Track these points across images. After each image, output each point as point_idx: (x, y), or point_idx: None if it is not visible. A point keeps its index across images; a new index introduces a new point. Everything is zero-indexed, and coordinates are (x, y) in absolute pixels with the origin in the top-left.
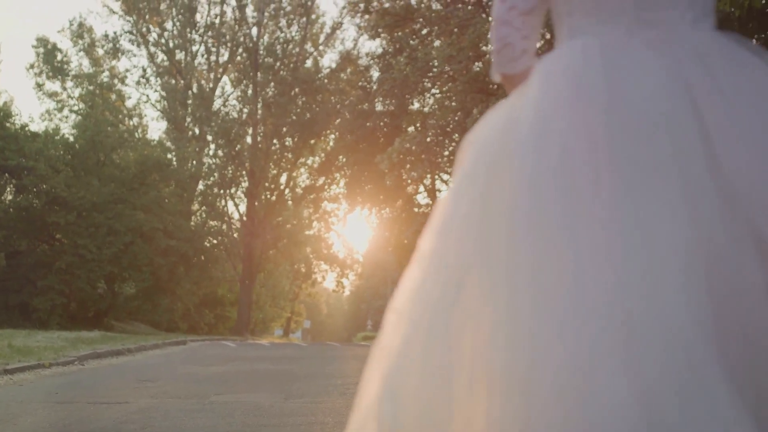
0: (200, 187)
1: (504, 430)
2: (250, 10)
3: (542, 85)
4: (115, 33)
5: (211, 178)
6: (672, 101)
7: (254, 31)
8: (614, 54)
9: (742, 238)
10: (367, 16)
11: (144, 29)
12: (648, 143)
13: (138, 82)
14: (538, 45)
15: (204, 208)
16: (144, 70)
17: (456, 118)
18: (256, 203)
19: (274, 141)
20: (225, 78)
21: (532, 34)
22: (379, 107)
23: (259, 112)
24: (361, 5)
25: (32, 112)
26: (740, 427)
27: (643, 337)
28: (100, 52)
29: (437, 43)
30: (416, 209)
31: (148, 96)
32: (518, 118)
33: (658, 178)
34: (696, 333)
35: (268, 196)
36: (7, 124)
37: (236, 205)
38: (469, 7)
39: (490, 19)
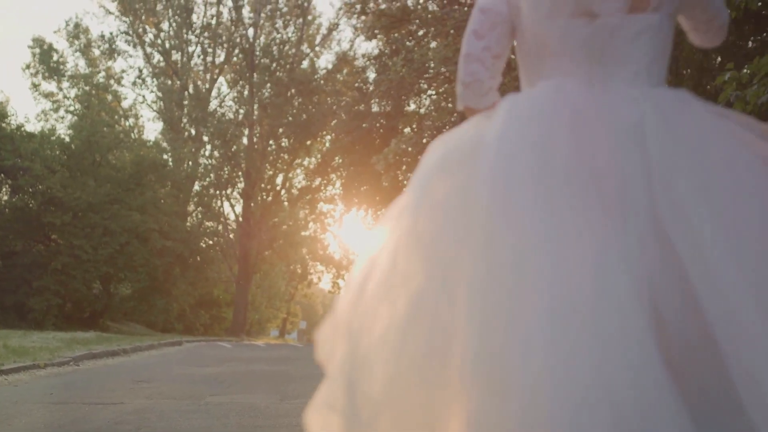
0: (196, 187)
1: (480, 425)
2: (246, 11)
3: (511, 119)
4: (111, 34)
5: (207, 179)
6: (624, 147)
7: (251, 31)
8: (576, 99)
9: (674, 258)
10: (363, 18)
11: (140, 30)
12: (599, 184)
13: (134, 83)
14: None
15: (200, 208)
16: (140, 71)
17: (452, 120)
18: (252, 204)
19: (270, 142)
20: (221, 79)
21: (497, 75)
22: (375, 108)
23: (255, 113)
24: (358, 6)
25: (28, 113)
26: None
27: (610, 336)
28: (96, 52)
29: (434, 44)
30: None
31: (144, 97)
32: (486, 139)
33: (609, 212)
34: (645, 336)
35: (264, 197)
36: (3, 125)
37: (232, 206)
38: (466, 9)
39: None
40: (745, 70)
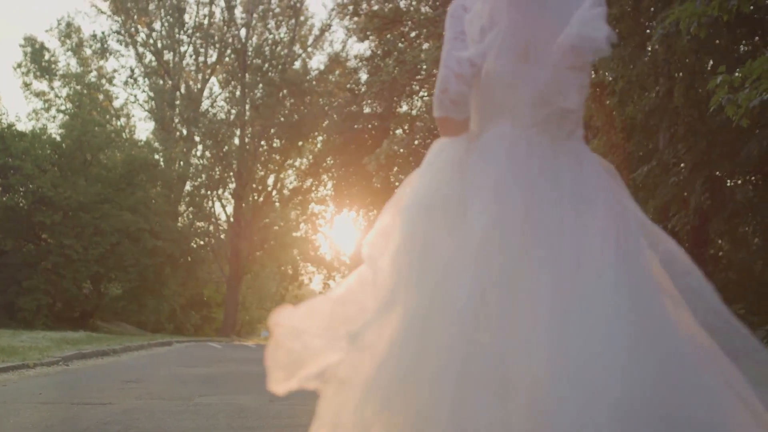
0: (187, 187)
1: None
2: (238, 11)
3: (479, 160)
4: (103, 33)
5: (199, 179)
6: (548, 185)
7: (243, 32)
8: (516, 146)
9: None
10: (355, 19)
11: (132, 29)
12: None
13: (126, 83)
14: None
15: (191, 209)
16: (132, 71)
17: None
18: (244, 204)
19: (262, 142)
20: (213, 79)
21: (469, 99)
22: (367, 109)
23: (247, 113)
24: (350, 7)
25: (19, 112)
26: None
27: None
28: (88, 52)
29: (426, 46)
30: None
31: (135, 96)
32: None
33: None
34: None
35: (256, 198)
36: None
37: (223, 206)
38: None
39: None
40: (737, 74)
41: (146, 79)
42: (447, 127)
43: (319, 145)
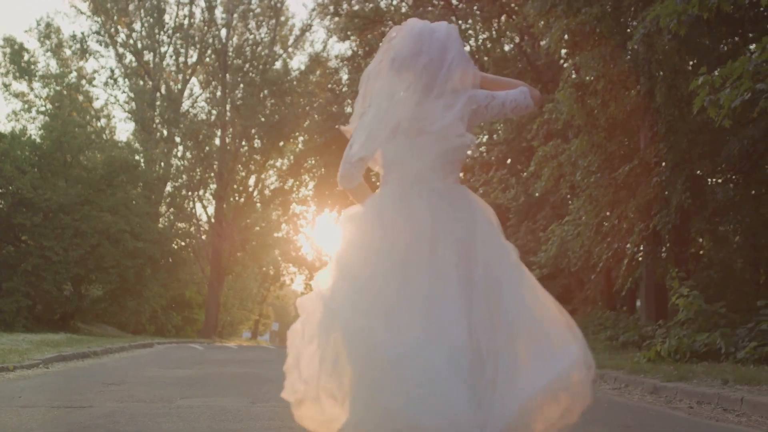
0: (168, 188)
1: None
2: (219, 12)
3: (376, 212)
4: (82, 33)
5: (179, 180)
6: (430, 228)
7: (223, 32)
8: (404, 199)
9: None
10: (336, 19)
11: (112, 30)
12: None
13: (106, 83)
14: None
15: (172, 210)
16: (112, 71)
17: None
18: (225, 205)
19: (243, 143)
20: (194, 79)
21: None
22: (348, 109)
23: (228, 113)
24: (331, 8)
25: None
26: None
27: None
28: (68, 52)
29: None
30: None
31: (116, 97)
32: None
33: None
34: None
35: (237, 198)
36: None
37: (204, 207)
38: (439, 10)
39: (459, 22)
40: (716, 73)
41: (126, 79)
42: (351, 194)
43: (300, 146)
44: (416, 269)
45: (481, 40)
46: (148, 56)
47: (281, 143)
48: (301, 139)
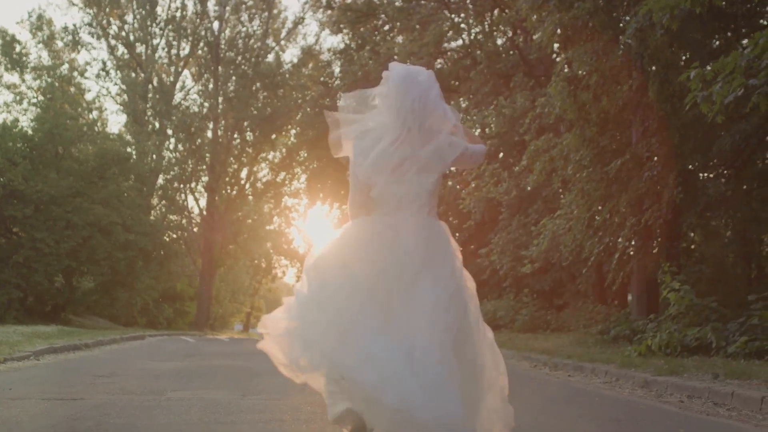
0: (160, 181)
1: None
2: (211, 4)
3: (357, 236)
4: (74, 25)
5: (171, 173)
6: (402, 252)
7: (215, 25)
8: (380, 227)
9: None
10: (329, 12)
11: (104, 22)
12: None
13: (98, 75)
14: None
15: (164, 202)
16: (104, 63)
17: None
18: (217, 198)
19: (235, 135)
20: (186, 72)
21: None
22: (341, 102)
23: (220, 106)
24: (323, 0)
25: None
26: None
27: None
28: (60, 44)
29: (399, 38)
30: None
31: (108, 89)
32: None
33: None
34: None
35: (229, 191)
36: None
37: (196, 200)
38: (432, 4)
39: (452, 16)
40: (708, 68)
41: (118, 71)
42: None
43: (292, 139)
44: (390, 290)
45: (473, 34)
46: (140, 48)
47: (273, 136)
48: (293, 132)
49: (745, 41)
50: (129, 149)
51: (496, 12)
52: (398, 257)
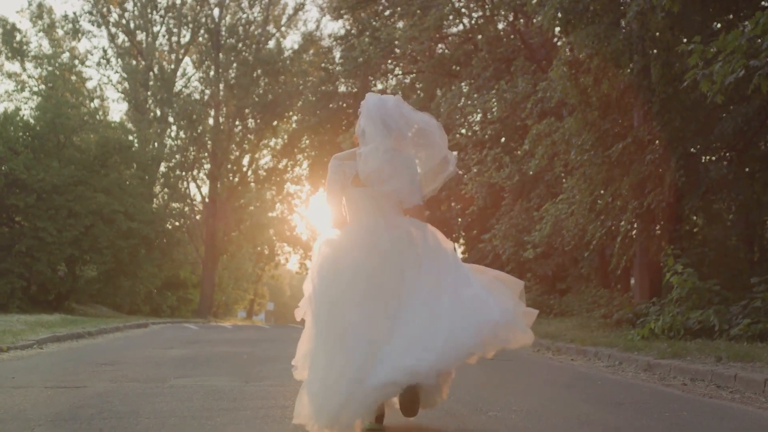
0: (162, 169)
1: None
2: None
3: (350, 236)
4: (74, 13)
5: (173, 160)
6: (391, 251)
7: (216, 11)
8: (368, 228)
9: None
10: None
11: (104, 9)
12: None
13: (99, 63)
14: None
15: (166, 190)
16: (104, 51)
17: (418, 98)
18: (219, 185)
19: (237, 122)
20: (187, 59)
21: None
22: (342, 88)
23: (221, 93)
24: None
25: None
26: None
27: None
28: (60, 32)
29: (400, 24)
30: None
31: (108, 77)
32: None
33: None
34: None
35: (231, 178)
36: None
37: (198, 187)
38: None
39: (453, 0)
40: (711, 49)
41: (119, 59)
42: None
43: (294, 125)
44: (377, 282)
45: (474, 18)
46: (140, 36)
47: (275, 123)
48: (294, 118)
49: (746, 23)
50: (130, 137)
51: None
52: (385, 257)
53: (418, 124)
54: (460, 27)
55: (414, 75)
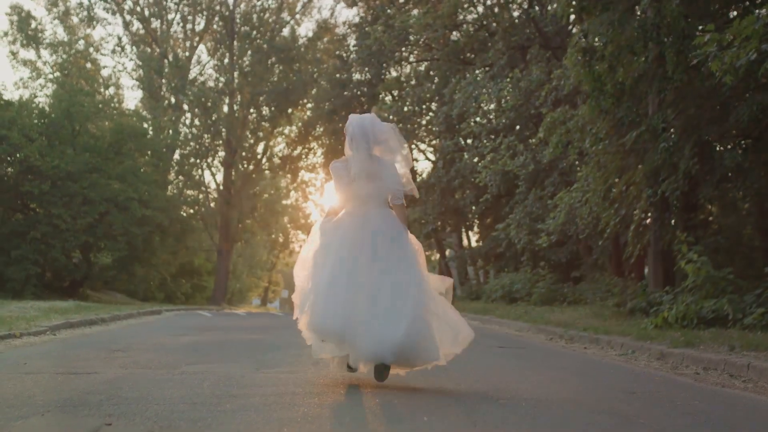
0: (176, 156)
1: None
2: None
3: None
4: (89, 1)
5: (188, 148)
6: (366, 234)
7: None
8: (352, 217)
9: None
10: None
11: None
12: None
13: (113, 51)
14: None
15: (180, 177)
16: (119, 39)
17: (433, 87)
18: (233, 173)
19: (251, 110)
20: (201, 47)
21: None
22: (356, 76)
23: (236, 81)
24: None
25: (5, 80)
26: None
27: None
28: (75, 20)
29: (415, 11)
30: None
31: (123, 65)
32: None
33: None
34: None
35: (245, 166)
36: None
37: (213, 175)
38: None
39: None
40: (726, 36)
41: (134, 47)
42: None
43: (308, 113)
44: (357, 257)
45: (488, 6)
46: (155, 23)
47: (290, 110)
48: (309, 106)
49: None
50: (145, 125)
51: None
52: (365, 238)
53: (384, 135)
54: (474, 15)
55: (428, 63)
